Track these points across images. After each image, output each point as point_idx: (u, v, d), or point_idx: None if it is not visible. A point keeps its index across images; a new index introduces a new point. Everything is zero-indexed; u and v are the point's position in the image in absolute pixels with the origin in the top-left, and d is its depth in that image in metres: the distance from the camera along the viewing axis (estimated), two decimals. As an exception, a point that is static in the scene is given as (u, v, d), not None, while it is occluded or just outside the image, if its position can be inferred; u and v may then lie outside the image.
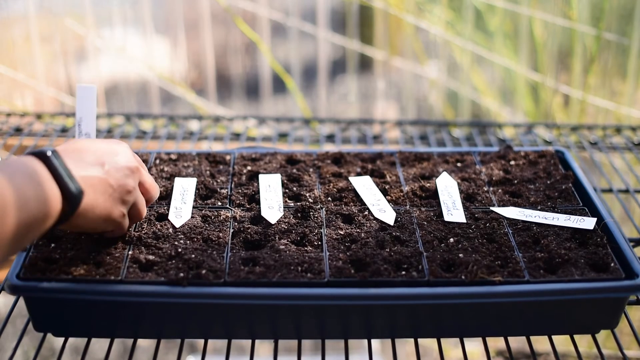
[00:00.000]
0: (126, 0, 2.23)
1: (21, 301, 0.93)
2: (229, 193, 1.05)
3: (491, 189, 1.08)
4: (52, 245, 0.92)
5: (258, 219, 0.99)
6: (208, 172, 1.11)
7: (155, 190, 0.95)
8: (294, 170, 1.12)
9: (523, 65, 1.96)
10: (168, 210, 1.00)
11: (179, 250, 0.91)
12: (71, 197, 0.79)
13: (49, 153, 0.78)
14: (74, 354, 2.22)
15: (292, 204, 1.03)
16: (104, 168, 0.85)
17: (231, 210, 1.01)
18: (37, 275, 0.87)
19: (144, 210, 0.93)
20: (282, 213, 1.00)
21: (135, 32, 2.38)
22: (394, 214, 1.00)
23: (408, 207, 1.03)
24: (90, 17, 2.01)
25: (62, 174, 0.78)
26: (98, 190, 0.84)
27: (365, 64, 2.72)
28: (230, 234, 0.96)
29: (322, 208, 1.02)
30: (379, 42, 2.32)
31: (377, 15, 2.31)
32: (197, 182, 1.07)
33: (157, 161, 1.14)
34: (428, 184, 1.08)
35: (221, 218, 0.99)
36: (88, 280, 0.86)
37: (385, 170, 1.12)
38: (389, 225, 0.98)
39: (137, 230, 0.95)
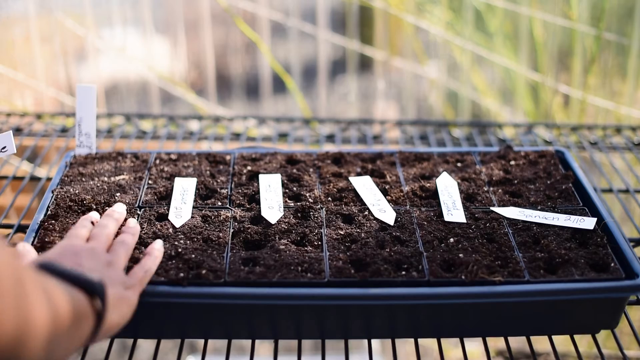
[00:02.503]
0: (126, 0, 2.23)
1: (21, 301, 0.93)
2: (229, 193, 1.05)
3: (491, 189, 1.08)
4: (52, 246, 0.92)
5: (258, 219, 0.99)
6: (208, 172, 1.11)
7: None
8: (294, 170, 1.11)
9: (523, 65, 1.97)
10: (168, 210, 1.00)
11: (179, 250, 0.91)
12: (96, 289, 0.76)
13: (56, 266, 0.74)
14: (73, 354, 2.22)
15: (292, 204, 1.03)
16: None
17: (231, 210, 1.01)
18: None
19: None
20: (282, 213, 1.00)
21: (135, 32, 2.39)
22: (394, 214, 1.00)
23: (408, 207, 1.03)
24: (90, 17, 2.01)
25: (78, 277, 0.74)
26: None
27: (365, 64, 2.72)
28: (230, 234, 0.96)
29: (322, 208, 1.02)
30: (379, 42, 2.32)
31: (377, 15, 2.31)
32: (197, 182, 1.07)
33: (157, 161, 1.14)
34: (428, 184, 1.08)
35: (221, 218, 0.99)
36: (88, 280, 0.86)
37: (385, 170, 1.12)
38: (389, 225, 0.98)
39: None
